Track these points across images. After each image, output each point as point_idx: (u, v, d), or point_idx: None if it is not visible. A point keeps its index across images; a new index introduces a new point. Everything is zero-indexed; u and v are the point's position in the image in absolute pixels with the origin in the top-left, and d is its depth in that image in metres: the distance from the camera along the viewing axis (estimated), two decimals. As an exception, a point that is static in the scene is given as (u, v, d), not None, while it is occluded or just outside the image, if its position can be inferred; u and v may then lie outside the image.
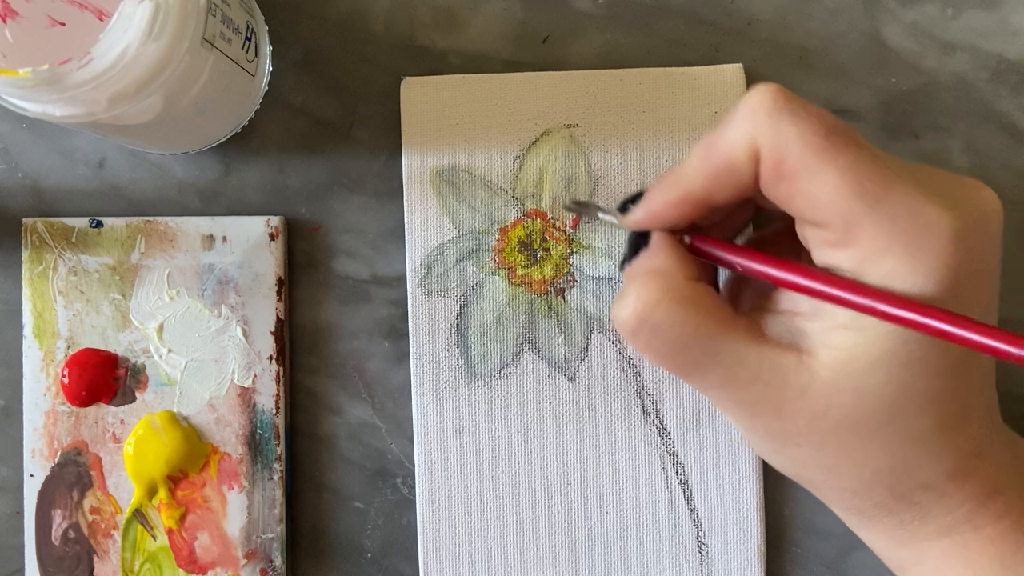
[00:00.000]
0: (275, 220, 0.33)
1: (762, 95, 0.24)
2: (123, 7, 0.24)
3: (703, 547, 0.32)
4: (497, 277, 0.33)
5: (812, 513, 0.33)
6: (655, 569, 0.32)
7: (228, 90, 0.30)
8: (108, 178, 0.34)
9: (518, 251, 0.33)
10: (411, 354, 0.33)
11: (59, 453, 0.33)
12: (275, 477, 0.33)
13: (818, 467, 0.25)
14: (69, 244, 0.33)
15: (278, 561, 0.33)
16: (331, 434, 0.34)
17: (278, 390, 0.33)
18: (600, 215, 0.28)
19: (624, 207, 0.27)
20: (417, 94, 0.33)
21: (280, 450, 0.33)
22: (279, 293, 0.33)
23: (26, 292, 0.33)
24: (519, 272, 0.33)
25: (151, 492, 0.33)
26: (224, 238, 0.33)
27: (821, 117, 0.23)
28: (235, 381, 0.33)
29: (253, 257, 0.33)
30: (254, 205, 0.34)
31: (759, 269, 0.25)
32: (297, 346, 0.34)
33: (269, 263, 0.33)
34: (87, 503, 0.33)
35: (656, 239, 0.26)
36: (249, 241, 0.33)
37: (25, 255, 0.33)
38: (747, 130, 0.23)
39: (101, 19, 0.25)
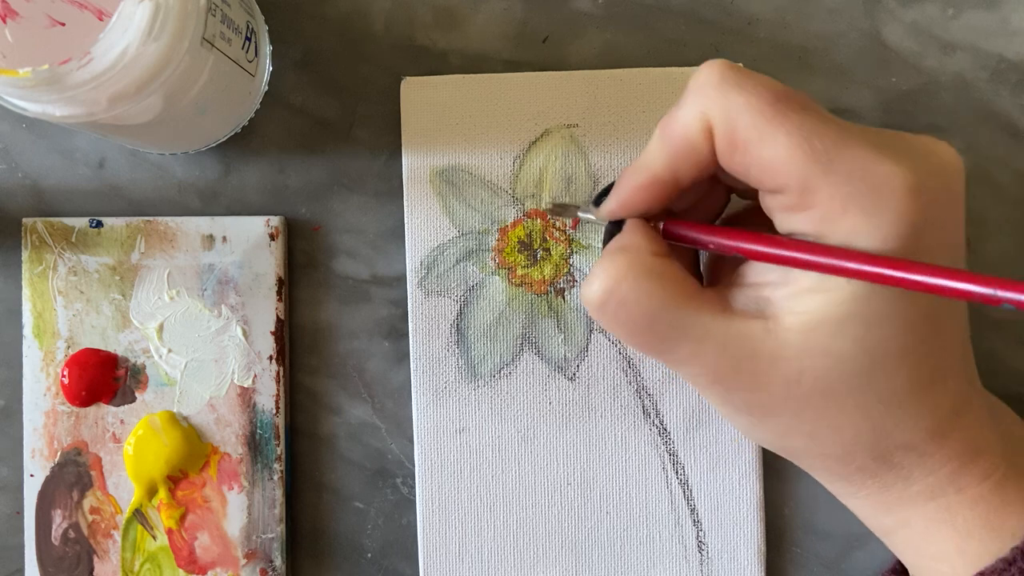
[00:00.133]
0: (275, 220, 0.33)
1: (709, 70, 0.24)
2: (123, 7, 0.24)
3: (703, 547, 0.32)
4: (497, 277, 0.33)
5: (812, 513, 0.33)
6: (655, 569, 0.32)
7: (228, 90, 0.30)
8: (108, 178, 0.34)
9: (518, 251, 0.33)
10: (411, 354, 0.33)
11: (59, 453, 0.33)
12: (275, 477, 0.33)
13: (798, 435, 0.26)
14: (69, 244, 0.33)
15: (278, 561, 0.33)
16: (331, 434, 0.34)
17: (278, 390, 0.33)
18: (580, 214, 0.28)
19: (598, 200, 0.28)
20: (417, 94, 0.33)
21: (280, 450, 0.33)
22: (279, 293, 0.33)
23: (26, 292, 0.33)
24: (519, 272, 0.33)
25: (151, 492, 0.33)
26: (224, 238, 0.33)
27: (768, 85, 0.23)
28: (235, 381, 0.33)
29: (253, 257, 0.33)
30: (254, 205, 0.34)
31: (725, 243, 0.25)
32: (297, 346, 0.34)
33: (269, 263, 0.33)
34: (87, 503, 0.33)
35: (628, 223, 0.27)
36: (249, 241, 0.33)
37: (25, 255, 0.33)
38: (698, 106, 0.24)
39: (101, 19, 0.25)
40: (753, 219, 0.27)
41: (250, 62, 0.31)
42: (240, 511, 0.33)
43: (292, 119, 0.34)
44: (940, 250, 0.23)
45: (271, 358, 0.33)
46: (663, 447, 0.32)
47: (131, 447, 0.33)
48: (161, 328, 0.33)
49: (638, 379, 0.32)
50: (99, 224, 0.33)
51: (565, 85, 0.33)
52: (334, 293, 0.34)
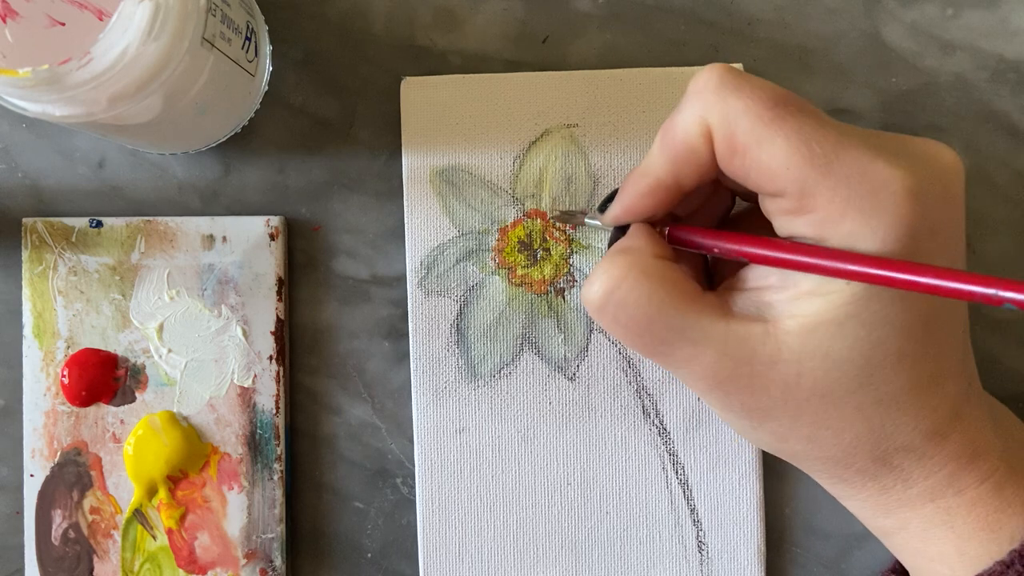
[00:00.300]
0: (275, 220, 0.33)
1: (708, 75, 0.24)
2: (123, 7, 0.24)
3: (703, 547, 0.32)
4: (497, 277, 0.33)
5: (812, 513, 0.33)
6: (655, 569, 0.32)
7: (228, 90, 0.30)
8: (108, 178, 0.34)
9: (518, 251, 0.33)
10: (411, 354, 0.33)
11: (59, 453, 0.33)
12: (275, 477, 0.33)
13: (797, 438, 0.26)
14: (69, 244, 0.33)
15: (278, 561, 0.33)
16: (331, 434, 0.34)
17: (278, 390, 0.33)
18: (586, 221, 0.29)
19: (603, 207, 0.28)
20: (417, 94, 0.33)
21: (280, 450, 0.33)
22: (279, 293, 0.33)
23: (26, 292, 0.33)
24: (519, 272, 0.33)
25: (151, 492, 0.33)
26: (224, 238, 0.33)
27: (766, 89, 0.23)
28: (235, 381, 0.33)
29: (253, 257, 0.33)
30: (254, 205, 0.34)
31: (728, 247, 0.25)
32: (297, 346, 0.34)
33: (269, 263, 0.33)
34: (87, 503, 0.33)
35: (632, 227, 0.27)
36: (249, 241, 0.33)
37: (25, 255, 0.33)
38: (697, 110, 0.24)
39: (101, 19, 0.25)
40: (753, 221, 0.27)
41: (250, 62, 0.31)
42: (240, 511, 0.33)
43: (292, 119, 0.34)
44: (940, 252, 0.23)
45: (271, 358, 0.33)
46: (663, 447, 0.32)
47: (131, 447, 0.33)
48: (161, 328, 0.33)
49: (638, 379, 0.32)
50: (99, 224, 0.33)
51: (565, 85, 0.33)
52: (334, 293, 0.34)
